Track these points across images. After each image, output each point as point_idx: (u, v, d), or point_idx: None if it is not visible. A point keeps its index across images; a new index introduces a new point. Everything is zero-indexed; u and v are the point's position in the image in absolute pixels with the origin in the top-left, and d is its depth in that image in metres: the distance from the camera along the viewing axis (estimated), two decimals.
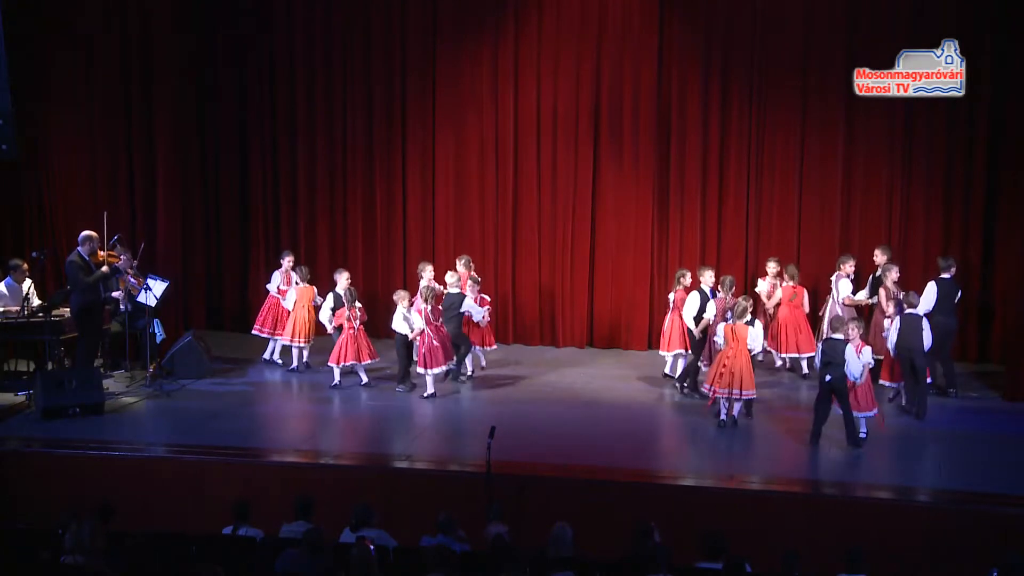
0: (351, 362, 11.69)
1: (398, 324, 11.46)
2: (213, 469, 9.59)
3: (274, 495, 8.89)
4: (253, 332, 12.90)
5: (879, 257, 11.74)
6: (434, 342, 11.28)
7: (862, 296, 11.79)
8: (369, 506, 7.62)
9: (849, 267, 11.84)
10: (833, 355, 9.65)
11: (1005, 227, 12.22)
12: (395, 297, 11.70)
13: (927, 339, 10.59)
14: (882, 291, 11.29)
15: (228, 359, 12.97)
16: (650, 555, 6.85)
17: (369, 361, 11.81)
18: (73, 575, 6.60)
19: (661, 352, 12.08)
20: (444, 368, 11.50)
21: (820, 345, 9.73)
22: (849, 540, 7.71)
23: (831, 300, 11.97)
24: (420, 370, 11.37)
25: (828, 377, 9.67)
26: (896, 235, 12.90)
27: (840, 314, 11.11)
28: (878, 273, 11.63)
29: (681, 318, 11.56)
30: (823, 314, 12.02)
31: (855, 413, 9.85)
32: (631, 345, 13.68)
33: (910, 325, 10.57)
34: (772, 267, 12.36)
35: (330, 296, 12.06)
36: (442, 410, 11.19)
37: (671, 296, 11.89)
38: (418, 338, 11.33)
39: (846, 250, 12.67)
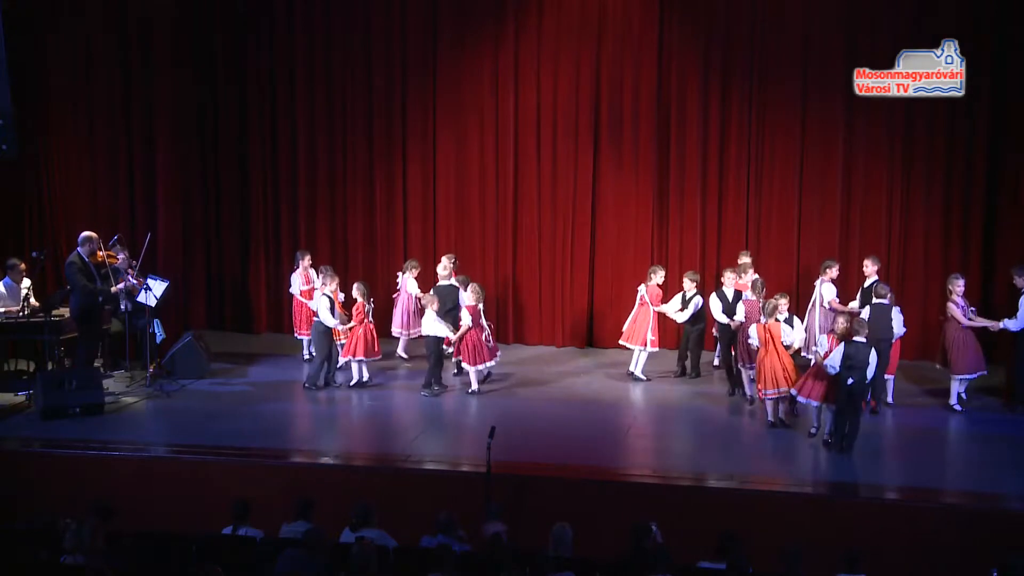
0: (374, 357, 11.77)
1: (429, 327, 11.45)
2: (213, 469, 9.59)
3: (274, 495, 8.88)
4: (298, 336, 12.84)
5: (868, 267, 11.58)
6: (476, 339, 11.32)
7: (852, 306, 11.64)
8: (369, 506, 7.62)
9: (834, 271, 11.77)
10: (857, 358, 9.42)
11: (1005, 227, 12.22)
12: (424, 301, 11.68)
13: (897, 329, 10.61)
14: (951, 305, 10.82)
15: (228, 359, 12.98)
16: (650, 555, 6.85)
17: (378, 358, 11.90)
18: (73, 575, 6.60)
19: (626, 344, 12.15)
20: (489, 364, 11.53)
21: (842, 347, 9.46)
22: (849, 540, 7.71)
23: (813, 305, 11.82)
24: (466, 366, 11.47)
25: (850, 381, 9.44)
26: (896, 235, 12.91)
27: (823, 319, 11.18)
28: (867, 284, 11.49)
29: (655, 313, 11.83)
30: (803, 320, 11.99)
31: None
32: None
33: (879, 315, 10.53)
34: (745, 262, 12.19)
35: (323, 299, 11.55)
36: (442, 410, 11.19)
37: (642, 289, 11.99)
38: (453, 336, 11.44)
39: (845, 250, 12.71)
